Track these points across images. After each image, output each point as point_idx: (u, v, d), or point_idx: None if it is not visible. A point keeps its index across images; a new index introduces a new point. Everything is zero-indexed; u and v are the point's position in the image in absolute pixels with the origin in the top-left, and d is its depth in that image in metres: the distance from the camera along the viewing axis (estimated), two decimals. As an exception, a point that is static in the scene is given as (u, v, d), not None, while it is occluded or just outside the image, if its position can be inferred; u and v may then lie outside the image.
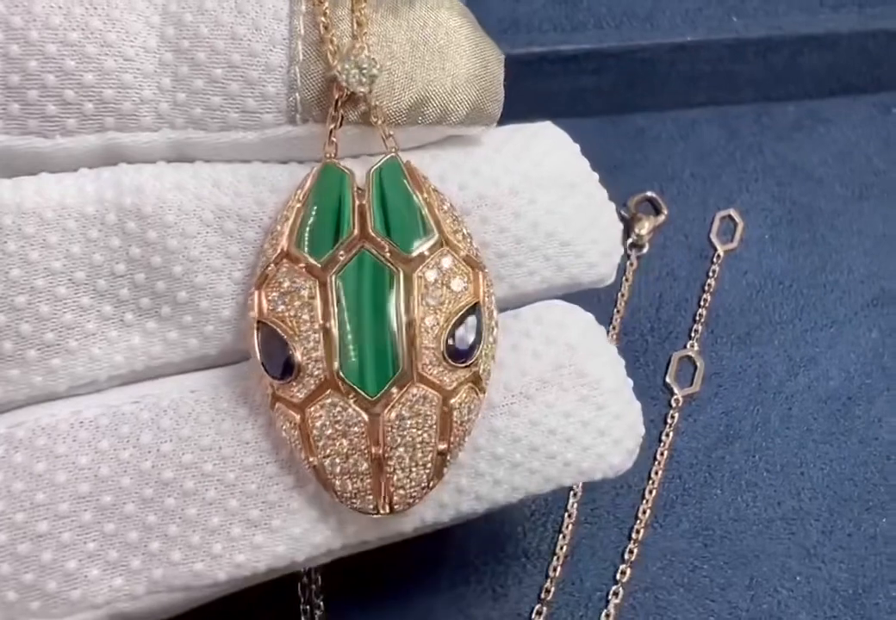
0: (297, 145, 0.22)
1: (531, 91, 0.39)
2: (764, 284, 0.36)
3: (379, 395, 0.21)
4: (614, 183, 0.39)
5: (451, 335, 0.21)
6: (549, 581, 0.30)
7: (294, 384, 0.21)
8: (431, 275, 0.21)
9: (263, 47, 0.21)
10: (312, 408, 0.21)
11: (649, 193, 0.37)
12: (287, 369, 0.21)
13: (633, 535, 0.31)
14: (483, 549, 0.31)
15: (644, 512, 0.31)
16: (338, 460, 0.21)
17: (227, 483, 0.21)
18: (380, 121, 0.22)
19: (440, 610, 0.30)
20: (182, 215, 0.21)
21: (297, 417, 0.21)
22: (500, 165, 0.23)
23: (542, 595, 0.30)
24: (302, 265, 0.21)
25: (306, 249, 0.21)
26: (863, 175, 0.39)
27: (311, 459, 0.21)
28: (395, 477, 0.21)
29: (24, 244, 0.21)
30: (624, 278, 0.36)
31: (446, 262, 0.21)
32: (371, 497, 0.21)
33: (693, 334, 0.35)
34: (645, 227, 0.37)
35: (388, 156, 0.22)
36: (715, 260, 0.36)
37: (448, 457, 0.21)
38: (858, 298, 0.36)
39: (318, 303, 0.21)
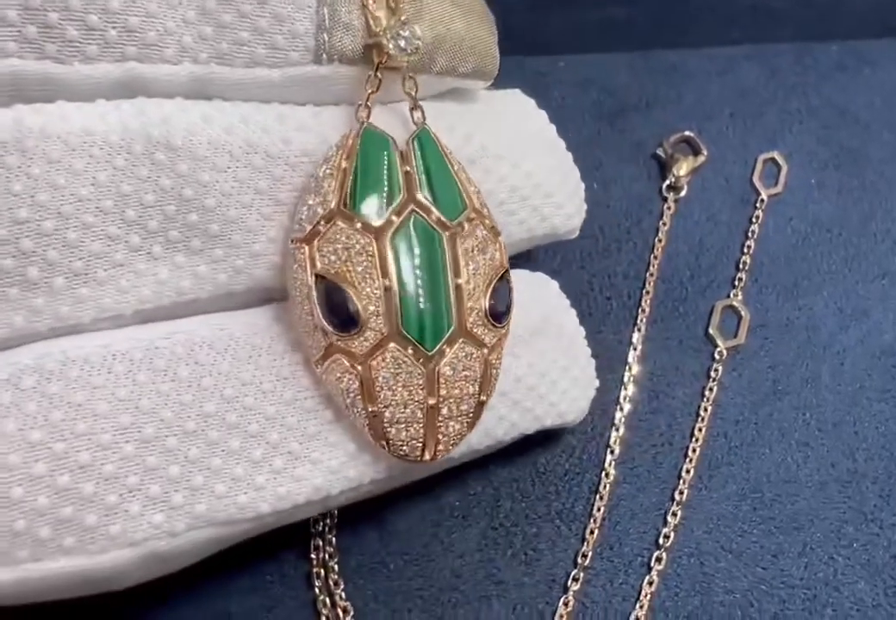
0: (319, 86, 0.22)
1: (559, 22, 0.37)
2: (811, 232, 0.33)
3: (435, 350, 0.22)
4: (648, 121, 0.36)
5: (490, 298, 0.23)
6: (585, 545, 0.27)
7: (357, 337, 0.21)
8: (470, 243, 0.23)
9: None
10: (375, 361, 0.22)
11: (687, 133, 0.35)
12: (349, 322, 0.21)
13: (676, 496, 0.28)
14: (513, 510, 0.28)
15: (687, 472, 0.29)
16: (397, 410, 0.22)
17: (268, 416, 0.21)
18: (414, 92, 0.23)
19: (467, 576, 0.27)
20: (212, 148, 0.21)
21: (358, 368, 0.21)
22: (496, 121, 0.25)
23: (579, 561, 0.27)
24: (358, 224, 0.22)
25: (361, 210, 0.22)
26: (911, 120, 0.36)
27: (370, 408, 0.22)
28: (443, 426, 0.22)
29: (50, 168, 0.20)
30: (661, 222, 0.33)
31: (480, 232, 0.23)
32: (419, 444, 0.22)
33: (736, 283, 0.32)
34: (683, 168, 0.34)
35: (422, 128, 0.23)
36: (758, 204, 0.34)
37: (483, 407, 0.23)
38: (912, 249, 0.33)
39: (377, 261, 0.22)
